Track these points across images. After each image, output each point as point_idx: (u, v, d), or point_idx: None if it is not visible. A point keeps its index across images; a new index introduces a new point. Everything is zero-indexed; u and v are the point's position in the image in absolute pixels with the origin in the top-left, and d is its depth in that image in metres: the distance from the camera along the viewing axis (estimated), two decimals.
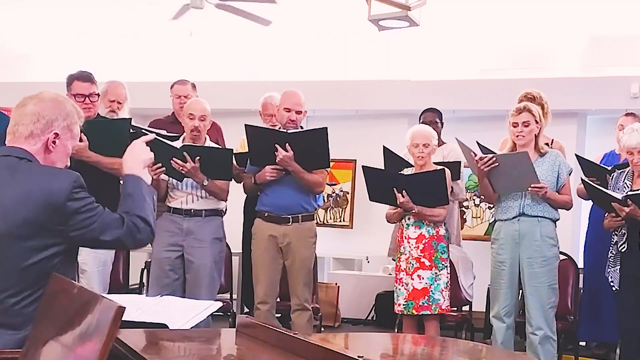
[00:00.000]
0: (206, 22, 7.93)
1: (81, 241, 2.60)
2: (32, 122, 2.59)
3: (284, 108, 5.14)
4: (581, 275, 5.77)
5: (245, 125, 5.11)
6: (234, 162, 5.20)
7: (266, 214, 5.15)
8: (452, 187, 5.53)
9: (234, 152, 5.25)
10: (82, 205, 2.53)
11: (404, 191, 5.01)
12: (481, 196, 8.02)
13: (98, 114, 4.92)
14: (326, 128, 4.95)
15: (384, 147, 5.78)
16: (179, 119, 5.45)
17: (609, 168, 5.32)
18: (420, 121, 6.13)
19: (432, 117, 6.18)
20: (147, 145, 2.83)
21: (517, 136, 4.89)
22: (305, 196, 5.14)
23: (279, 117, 5.22)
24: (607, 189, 4.99)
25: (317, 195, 5.26)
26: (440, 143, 6.03)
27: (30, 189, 2.50)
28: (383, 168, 5.31)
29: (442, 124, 6.23)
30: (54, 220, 2.50)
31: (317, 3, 7.66)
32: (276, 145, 4.91)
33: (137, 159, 2.76)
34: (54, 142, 2.62)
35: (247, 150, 5.43)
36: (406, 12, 5.49)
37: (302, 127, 5.21)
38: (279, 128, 5.26)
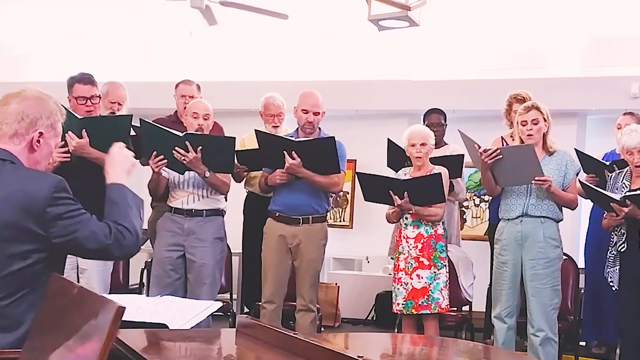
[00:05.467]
0: (206, 22, 7.92)
1: (65, 249, 2.53)
2: (16, 121, 2.55)
3: (301, 109, 5.16)
4: (582, 276, 5.77)
5: (255, 130, 5.18)
6: (235, 160, 5.21)
7: (277, 214, 5.17)
8: (453, 185, 5.53)
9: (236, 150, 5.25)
10: (64, 211, 2.46)
11: (401, 193, 5.03)
12: (481, 193, 8.05)
13: (99, 114, 4.94)
14: (333, 138, 4.99)
15: (388, 139, 5.77)
16: (182, 119, 5.47)
17: (608, 163, 5.34)
18: (426, 122, 6.11)
19: (438, 118, 6.14)
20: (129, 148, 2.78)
21: (527, 135, 4.88)
22: (317, 198, 5.15)
23: (297, 118, 5.23)
24: (606, 185, 5.01)
25: (329, 197, 5.28)
26: (443, 144, 6.03)
27: (10, 193, 2.45)
28: (378, 174, 5.31)
29: (446, 125, 6.20)
30: (35, 225, 2.44)
31: (317, 3, 7.65)
32: (284, 152, 4.93)
33: (119, 168, 2.70)
34: (38, 142, 2.57)
35: (247, 148, 5.45)
36: (406, 12, 5.48)
37: (319, 128, 5.23)
38: (296, 129, 5.27)
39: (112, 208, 2.60)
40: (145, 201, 5.82)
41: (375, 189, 5.20)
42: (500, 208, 5.06)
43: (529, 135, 4.87)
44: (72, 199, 2.51)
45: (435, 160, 5.27)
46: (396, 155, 5.60)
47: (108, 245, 2.51)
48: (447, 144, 6.06)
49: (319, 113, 5.17)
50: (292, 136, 5.24)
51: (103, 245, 2.50)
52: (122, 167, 2.72)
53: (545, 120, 4.88)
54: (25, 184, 2.47)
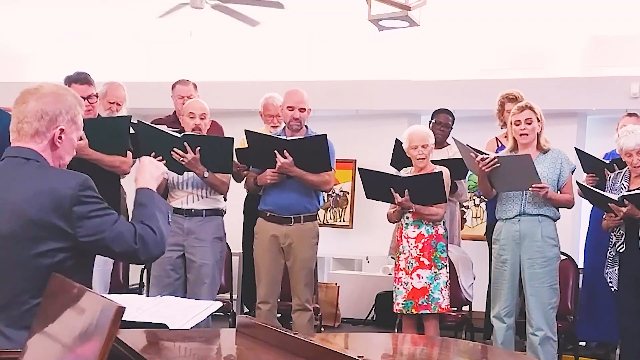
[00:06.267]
0: (206, 22, 7.93)
1: (92, 248, 2.52)
2: (36, 119, 2.54)
3: (287, 107, 5.14)
4: (582, 276, 5.77)
5: (245, 130, 5.14)
6: (235, 158, 5.21)
7: (268, 214, 5.16)
8: (456, 186, 5.53)
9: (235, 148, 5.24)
10: (90, 209, 2.46)
11: (402, 191, 5.03)
12: (481, 193, 8.05)
13: (98, 114, 4.94)
14: (325, 135, 4.97)
15: (396, 140, 5.77)
16: (180, 119, 5.47)
17: (608, 162, 5.35)
18: (433, 120, 6.11)
19: (446, 119, 6.12)
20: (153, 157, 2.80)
21: (521, 134, 4.88)
22: (308, 197, 5.14)
23: (283, 116, 5.23)
24: (605, 184, 5.02)
25: (319, 196, 5.27)
26: (445, 144, 6.02)
27: (37, 192, 2.45)
28: (380, 170, 5.31)
29: (452, 127, 6.18)
30: (61, 223, 2.44)
31: (317, 3, 7.66)
32: (275, 151, 4.92)
33: (149, 176, 2.72)
34: (60, 138, 2.57)
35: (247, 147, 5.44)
36: (406, 12, 5.49)
37: (306, 126, 5.21)
38: (283, 128, 5.27)
39: (140, 210, 2.62)
40: None
41: (377, 186, 5.20)
42: (497, 208, 5.07)
43: (522, 134, 4.88)
44: (98, 198, 2.51)
45: (440, 163, 5.27)
46: (401, 156, 5.60)
47: (135, 249, 2.51)
48: (449, 144, 6.05)
49: (305, 109, 5.14)
50: (279, 135, 5.24)
51: (130, 249, 2.51)
52: (152, 174, 2.74)
53: (538, 120, 4.89)
54: (52, 183, 2.47)
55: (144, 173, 2.74)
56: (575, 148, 5.69)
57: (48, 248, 2.45)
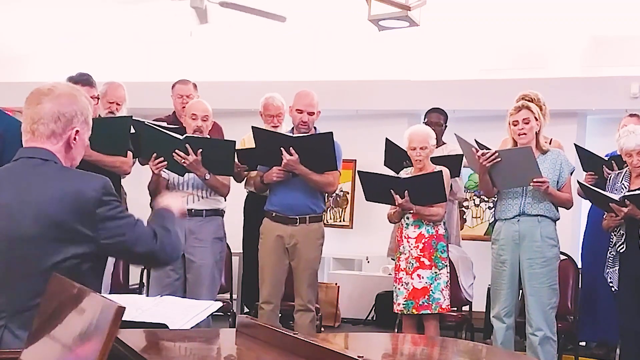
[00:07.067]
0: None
1: (112, 251, 2.54)
2: (52, 121, 2.52)
3: (296, 109, 5.14)
4: (581, 275, 5.77)
5: (253, 127, 5.14)
6: (236, 159, 5.21)
7: (274, 214, 5.16)
8: (451, 185, 5.54)
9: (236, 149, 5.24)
10: (112, 213, 2.48)
11: (402, 192, 5.03)
12: (481, 193, 8.06)
13: (99, 114, 4.95)
14: (331, 133, 4.97)
15: (387, 139, 5.76)
16: (180, 119, 5.47)
17: (607, 158, 5.35)
18: (425, 120, 6.13)
19: (438, 118, 6.16)
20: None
21: (519, 134, 4.89)
22: (314, 197, 5.15)
23: (292, 118, 5.22)
24: (605, 183, 5.03)
25: (325, 197, 5.27)
26: (441, 143, 6.03)
27: (61, 193, 2.44)
28: (379, 173, 5.31)
29: (446, 125, 6.21)
30: (84, 225, 2.44)
31: (317, 3, 7.66)
32: (281, 148, 4.92)
33: (173, 205, 2.75)
34: (74, 139, 2.56)
35: (247, 147, 5.44)
36: (406, 12, 5.49)
37: (315, 128, 5.21)
38: (291, 129, 5.27)
39: (159, 218, 2.66)
40: (145, 201, 5.84)
41: (377, 188, 5.20)
42: (496, 208, 5.08)
43: (520, 134, 4.89)
44: (118, 201, 2.53)
45: (434, 160, 5.28)
46: (394, 156, 5.60)
47: (155, 250, 2.54)
48: (445, 143, 6.07)
49: (314, 113, 5.14)
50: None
51: (150, 250, 2.54)
52: (177, 206, 2.77)
53: (536, 120, 4.90)
54: (75, 185, 2.47)
55: (169, 201, 2.79)
56: (574, 144, 5.69)
57: (68, 250, 2.45)
